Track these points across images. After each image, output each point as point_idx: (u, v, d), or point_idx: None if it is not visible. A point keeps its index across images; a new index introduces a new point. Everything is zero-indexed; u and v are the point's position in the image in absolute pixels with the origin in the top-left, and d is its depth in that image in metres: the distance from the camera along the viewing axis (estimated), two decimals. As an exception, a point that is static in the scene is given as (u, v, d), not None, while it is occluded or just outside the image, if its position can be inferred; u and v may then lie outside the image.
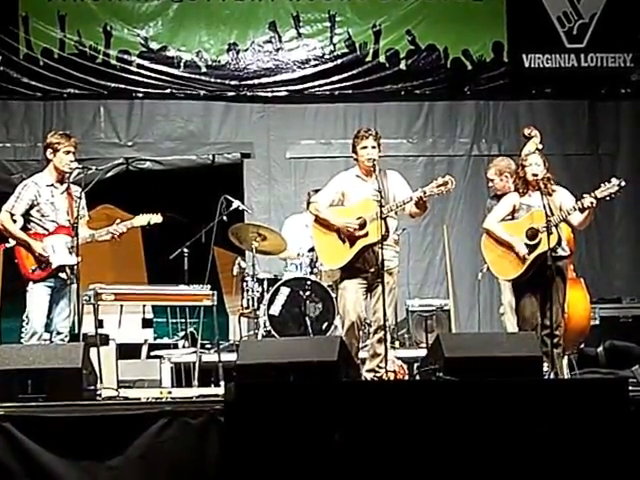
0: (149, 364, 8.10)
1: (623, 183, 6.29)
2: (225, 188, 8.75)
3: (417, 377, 6.67)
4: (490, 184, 7.43)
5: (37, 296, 6.56)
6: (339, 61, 10.04)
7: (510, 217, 6.63)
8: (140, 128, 10.01)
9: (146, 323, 8.86)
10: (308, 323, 8.06)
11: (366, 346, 6.98)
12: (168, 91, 9.96)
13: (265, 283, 8.32)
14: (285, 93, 10.05)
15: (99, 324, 7.32)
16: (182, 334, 8.58)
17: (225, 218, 8.34)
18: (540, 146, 6.76)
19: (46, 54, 9.80)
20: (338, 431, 4.74)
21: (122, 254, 10.34)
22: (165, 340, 8.85)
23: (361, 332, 6.79)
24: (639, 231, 10.16)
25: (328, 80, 10.02)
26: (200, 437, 4.98)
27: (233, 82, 9.99)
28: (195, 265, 8.23)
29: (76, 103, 9.93)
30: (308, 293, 8.11)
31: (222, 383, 7.09)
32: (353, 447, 4.76)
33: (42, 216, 6.62)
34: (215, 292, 7.48)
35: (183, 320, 8.43)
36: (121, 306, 7.74)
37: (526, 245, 6.44)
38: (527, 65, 10.11)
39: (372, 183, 6.56)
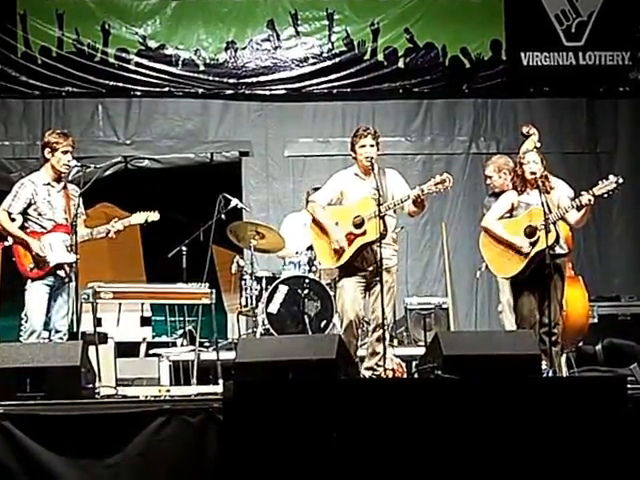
0: (148, 362, 8.12)
1: (621, 180, 6.28)
2: (223, 186, 8.73)
3: (415, 375, 6.63)
4: (488, 181, 7.40)
5: (35, 294, 6.54)
6: (337, 59, 10.03)
7: (508, 215, 6.62)
8: (138, 126, 10.01)
9: (144, 321, 8.89)
10: (307, 321, 8.04)
11: (365, 344, 6.98)
12: (166, 89, 9.95)
13: (263, 281, 8.30)
14: (283, 91, 10.04)
15: (98, 322, 7.33)
16: (180, 332, 8.59)
17: (223, 216, 8.31)
18: (538, 144, 6.73)
19: (44, 52, 9.79)
20: (336, 429, 4.75)
21: (121, 252, 10.34)
22: (164, 338, 8.84)
23: (360, 330, 6.79)
24: (637, 229, 10.15)
25: (326, 78, 10.02)
26: (199, 435, 4.98)
27: (231, 80, 9.98)
28: (193, 263, 8.21)
29: (74, 101, 9.92)
30: (307, 291, 8.10)
31: (220, 381, 7.09)
32: (351, 445, 4.76)
33: (39, 215, 6.61)
34: (213, 290, 7.48)
35: (181, 318, 8.44)
36: (120, 304, 7.77)
37: (525, 243, 6.46)
38: (525, 63, 10.11)
39: (371, 182, 6.55)
